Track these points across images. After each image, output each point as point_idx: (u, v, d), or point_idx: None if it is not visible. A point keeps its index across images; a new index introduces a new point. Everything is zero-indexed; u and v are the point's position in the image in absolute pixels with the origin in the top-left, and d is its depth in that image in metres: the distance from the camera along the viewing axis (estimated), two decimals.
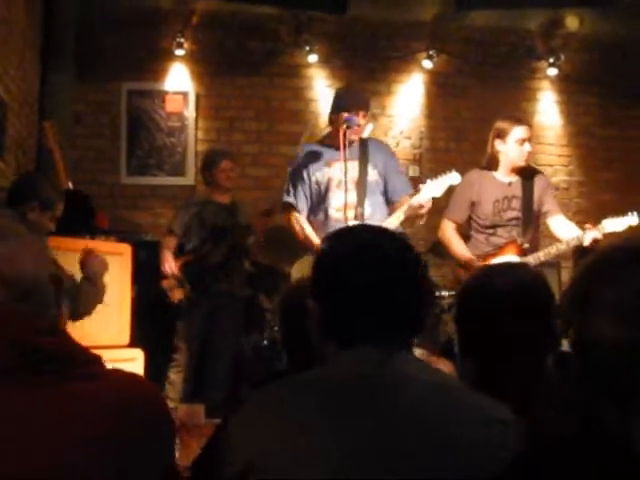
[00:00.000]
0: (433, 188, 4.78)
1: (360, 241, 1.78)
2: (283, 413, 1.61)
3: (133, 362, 4.40)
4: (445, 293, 6.18)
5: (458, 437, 1.55)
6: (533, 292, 2.25)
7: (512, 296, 2.22)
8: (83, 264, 4.19)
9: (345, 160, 4.83)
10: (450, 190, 4.99)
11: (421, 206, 4.76)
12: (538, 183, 5.23)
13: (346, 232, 1.98)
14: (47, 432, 1.58)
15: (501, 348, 2.19)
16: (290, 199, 5.27)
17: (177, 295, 5.84)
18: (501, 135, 5.10)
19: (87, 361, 1.73)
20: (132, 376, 1.84)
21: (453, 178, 4.83)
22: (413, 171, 7.68)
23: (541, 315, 2.23)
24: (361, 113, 5.05)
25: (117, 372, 1.77)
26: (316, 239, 5.08)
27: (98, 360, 1.75)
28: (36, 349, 1.64)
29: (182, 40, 7.55)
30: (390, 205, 5.17)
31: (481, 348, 2.24)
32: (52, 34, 7.12)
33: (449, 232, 5.28)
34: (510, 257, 4.99)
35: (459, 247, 5.21)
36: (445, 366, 3.11)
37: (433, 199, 4.82)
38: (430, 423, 1.56)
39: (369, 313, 1.69)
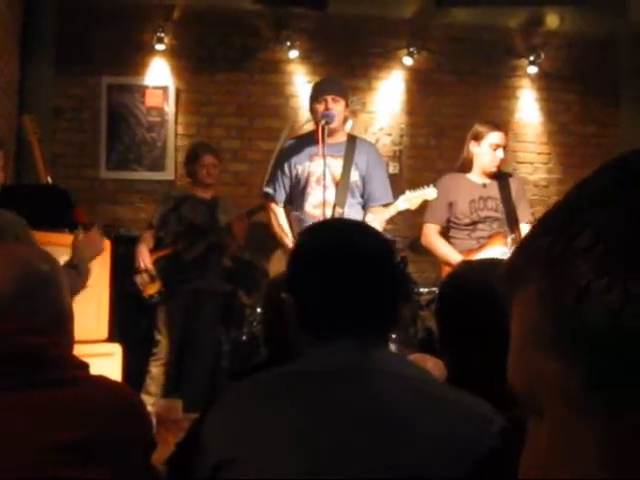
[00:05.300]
0: (409, 200, 4.86)
1: (337, 235, 1.77)
2: (256, 408, 1.60)
3: (111, 357, 4.36)
4: (424, 290, 6.20)
5: (435, 432, 1.53)
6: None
7: (489, 292, 2.23)
8: (75, 248, 4.06)
9: (324, 156, 4.80)
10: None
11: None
12: (513, 186, 5.28)
13: (323, 226, 1.98)
14: (17, 436, 1.57)
15: (477, 344, 2.19)
16: (269, 189, 5.24)
17: (149, 290, 5.83)
18: (477, 138, 5.16)
19: (72, 366, 1.72)
20: (115, 384, 1.84)
21: (430, 193, 4.90)
22: (393, 168, 7.68)
23: None
24: (330, 97, 4.95)
25: (101, 379, 1.76)
26: (289, 234, 5.07)
27: (84, 366, 1.74)
28: (22, 349, 1.63)
29: (162, 35, 7.52)
30: (364, 209, 5.12)
31: (458, 343, 2.25)
32: (32, 27, 7.07)
33: (432, 236, 5.26)
34: (498, 249, 5.01)
35: (445, 249, 5.19)
36: (432, 362, 3.12)
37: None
38: (407, 418, 1.54)
39: (345, 307, 1.67)
